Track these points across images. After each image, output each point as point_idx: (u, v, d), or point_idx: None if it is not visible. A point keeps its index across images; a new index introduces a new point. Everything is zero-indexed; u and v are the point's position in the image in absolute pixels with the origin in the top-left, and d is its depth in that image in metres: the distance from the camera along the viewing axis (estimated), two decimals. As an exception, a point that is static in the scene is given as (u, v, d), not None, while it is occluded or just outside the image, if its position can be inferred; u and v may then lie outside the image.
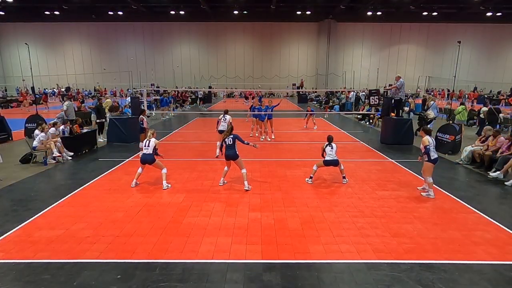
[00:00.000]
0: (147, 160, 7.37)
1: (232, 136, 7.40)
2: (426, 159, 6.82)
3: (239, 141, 7.45)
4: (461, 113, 14.00)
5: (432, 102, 16.31)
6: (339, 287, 3.99)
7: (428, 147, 6.74)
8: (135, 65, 39.95)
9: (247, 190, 7.22)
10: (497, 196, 7.21)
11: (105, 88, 40.13)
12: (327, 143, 7.76)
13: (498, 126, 14.93)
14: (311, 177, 7.82)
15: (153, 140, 7.46)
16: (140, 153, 9.80)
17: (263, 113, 12.82)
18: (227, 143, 7.38)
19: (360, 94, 25.59)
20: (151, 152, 7.34)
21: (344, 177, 7.89)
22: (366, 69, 41.31)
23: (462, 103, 14.69)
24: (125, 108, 16.69)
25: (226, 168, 7.63)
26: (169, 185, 7.50)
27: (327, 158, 7.66)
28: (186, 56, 42.89)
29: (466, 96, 31.77)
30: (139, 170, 7.57)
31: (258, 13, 38.72)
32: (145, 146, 7.41)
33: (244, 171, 7.37)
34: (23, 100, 26.83)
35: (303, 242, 5.04)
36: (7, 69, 42.05)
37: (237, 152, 7.36)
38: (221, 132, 10.14)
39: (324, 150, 7.74)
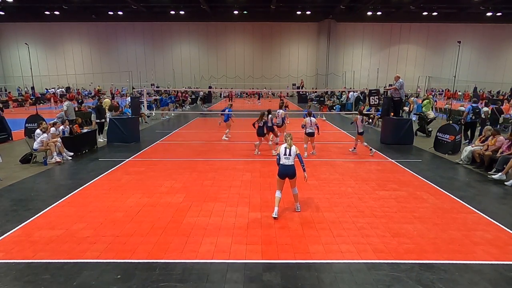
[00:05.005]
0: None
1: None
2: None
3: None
4: (426, 106, 15.72)
5: (412, 98, 17.22)
6: (339, 287, 3.99)
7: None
8: (135, 65, 39.95)
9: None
10: (497, 196, 7.20)
11: (110, 88, 39.68)
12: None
13: (497, 126, 14.90)
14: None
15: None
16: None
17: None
18: None
19: (360, 93, 25.53)
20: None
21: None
22: (366, 69, 41.28)
23: (427, 98, 17.08)
24: (125, 108, 16.69)
25: None
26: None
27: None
28: (186, 56, 42.87)
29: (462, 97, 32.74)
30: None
31: (258, 13, 38.74)
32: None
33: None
34: (27, 99, 27.61)
35: (303, 242, 5.03)
36: (7, 69, 42.03)
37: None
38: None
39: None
